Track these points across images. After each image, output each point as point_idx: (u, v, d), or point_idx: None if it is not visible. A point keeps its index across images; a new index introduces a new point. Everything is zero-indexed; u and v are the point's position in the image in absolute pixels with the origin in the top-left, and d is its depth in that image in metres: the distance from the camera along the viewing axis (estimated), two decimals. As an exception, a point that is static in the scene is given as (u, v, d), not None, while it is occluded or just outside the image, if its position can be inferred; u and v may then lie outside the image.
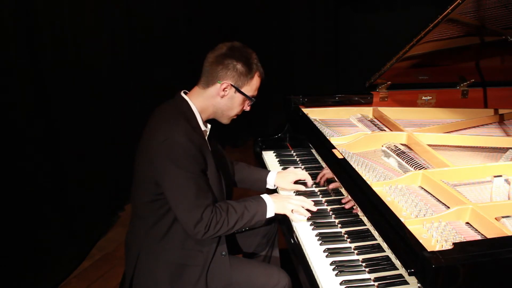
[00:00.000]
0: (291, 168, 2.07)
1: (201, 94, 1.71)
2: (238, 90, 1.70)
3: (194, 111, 1.71)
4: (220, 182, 1.77)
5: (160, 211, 1.67)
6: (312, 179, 2.06)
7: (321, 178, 2.00)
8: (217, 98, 1.71)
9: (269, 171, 2.07)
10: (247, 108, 1.79)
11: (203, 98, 1.71)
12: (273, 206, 1.75)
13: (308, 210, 1.76)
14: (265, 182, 2.05)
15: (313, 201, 1.91)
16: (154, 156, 1.61)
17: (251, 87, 1.72)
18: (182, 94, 1.74)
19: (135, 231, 1.76)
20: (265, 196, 1.76)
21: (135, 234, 1.76)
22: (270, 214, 1.74)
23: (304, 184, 2.00)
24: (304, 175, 2.01)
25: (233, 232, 1.75)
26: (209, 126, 1.79)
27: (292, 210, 1.76)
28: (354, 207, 1.71)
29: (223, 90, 1.68)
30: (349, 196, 1.70)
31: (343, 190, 1.78)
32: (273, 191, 2.04)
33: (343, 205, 1.80)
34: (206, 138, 1.75)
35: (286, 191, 2.00)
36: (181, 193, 1.59)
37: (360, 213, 1.64)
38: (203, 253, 1.71)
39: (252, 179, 2.07)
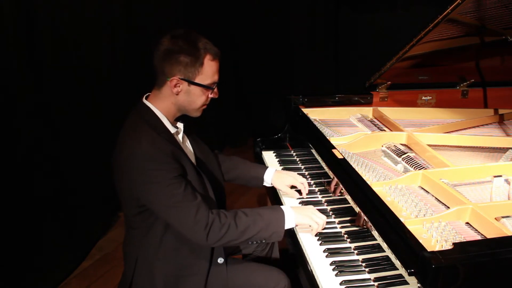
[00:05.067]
0: (292, 172, 2.00)
1: (159, 96, 1.62)
2: (190, 82, 1.57)
3: (158, 115, 1.61)
4: (203, 184, 1.67)
5: (149, 221, 1.61)
6: (313, 180, 2.06)
7: (334, 189, 1.89)
8: (174, 97, 1.59)
9: (267, 167, 2.01)
10: (214, 96, 1.65)
11: (162, 100, 1.61)
12: (293, 215, 1.61)
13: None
14: (262, 180, 1.98)
15: (313, 201, 1.92)
16: (125, 172, 1.55)
17: (206, 74, 1.57)
18: (144, 100, 1.65)
19: (131, 240, 1.72)
20: (284, 206, 1.65)
21: (131, 243, 1.72)
22: (289, 224, 1.62)
23: (299, 191, 1.94)
24: (301, 184, 1.93)
25: None
26: (181, 125, 1.70)
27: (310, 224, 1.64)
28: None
29: (175, 86, 1.57)
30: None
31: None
32: (271, 188, 2.02)
33: (343, 205, 1.80)
34: (181, 138, 1.69)
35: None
36: (166, 204, 1.50)
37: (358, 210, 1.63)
38: (199, 262, 1.67)
39: (248, 177, 2.00)
